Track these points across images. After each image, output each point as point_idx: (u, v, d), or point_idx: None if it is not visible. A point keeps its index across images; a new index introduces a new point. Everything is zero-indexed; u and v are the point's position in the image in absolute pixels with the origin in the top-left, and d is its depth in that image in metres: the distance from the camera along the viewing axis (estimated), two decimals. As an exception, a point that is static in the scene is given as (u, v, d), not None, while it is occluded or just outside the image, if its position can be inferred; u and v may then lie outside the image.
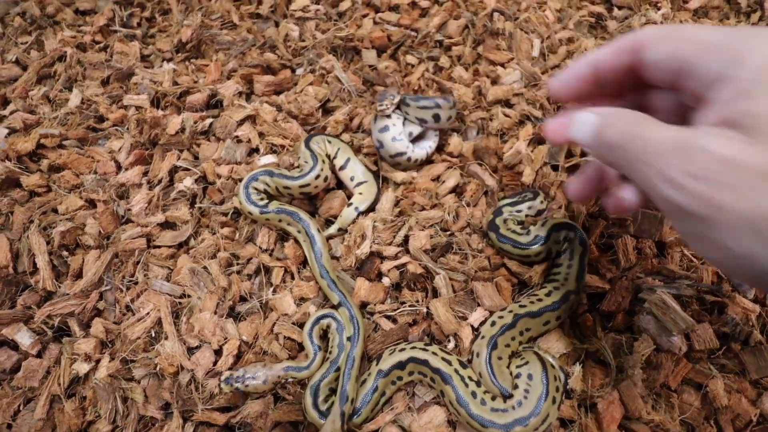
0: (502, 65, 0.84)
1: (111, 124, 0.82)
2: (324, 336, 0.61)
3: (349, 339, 0.57)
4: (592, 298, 0.61)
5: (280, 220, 0.67)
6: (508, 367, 0.54)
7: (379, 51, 0.92)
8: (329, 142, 0.73)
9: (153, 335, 0.62)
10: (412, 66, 0.89)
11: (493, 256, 0.63)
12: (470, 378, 0.53)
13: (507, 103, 0.78)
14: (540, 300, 0.58)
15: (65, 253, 0.69)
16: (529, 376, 0.51)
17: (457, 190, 0.72)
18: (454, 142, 0.75)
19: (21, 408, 0.60)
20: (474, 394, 0.52)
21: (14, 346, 0.64)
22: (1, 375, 0.63)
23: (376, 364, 0.56)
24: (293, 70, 0.91)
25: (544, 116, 0.75)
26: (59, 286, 0.67)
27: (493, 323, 0.56)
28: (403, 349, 0.56)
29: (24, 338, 0.63)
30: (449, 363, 0.54)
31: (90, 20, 0.98)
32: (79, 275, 0.67)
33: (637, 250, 0.63)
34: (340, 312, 0.60)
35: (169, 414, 0.59)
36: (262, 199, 0.68)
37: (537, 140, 0.73)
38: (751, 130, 0.32)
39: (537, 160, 0.71)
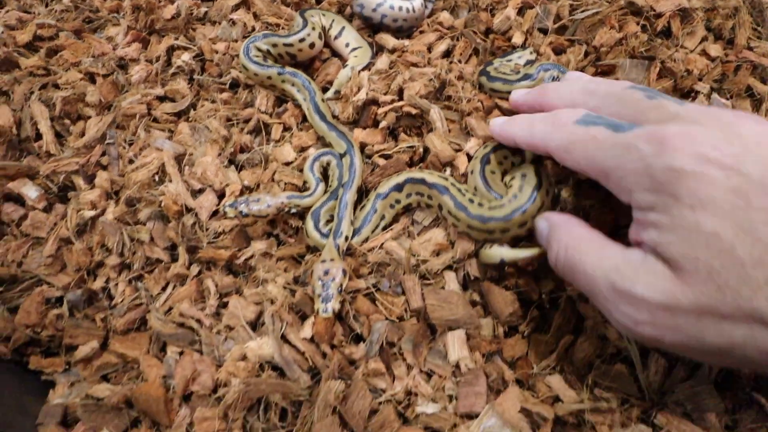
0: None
1: (107, 12, 0.83)
2: (324, 172, 0.62)
3: (343, 185, 0.59)
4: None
5: (283, 81, 0.68)
6: (502, 180, 0.56)
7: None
8: (323, 14, 0.75)
9: (157, 180, 0.63)
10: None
11: (485, 99, 0.65)
12: (466, 190, 0.55)
13: (496, -21, 0.80)
14: None
15: (67, 121, 0.70)
16: (523, 176, 0.53)
17: (449, 54, 0.73)
18: (444, 16, 0.77)
19: (29, 251, 0.61)
20: (471, 201, 0.53)
21: (21, 201, 0.65)
22: (8, 228, 0.64)
23: (375, 191, 0.58)
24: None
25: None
26: (62, 151, 0.68)
27: (486, 145, 0.58)
28: (399, 174, 0.58)
29: (30, 191, 0.64)
30: (445, 179, 0.56)
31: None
32: (82, 136, 0.68)
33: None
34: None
35: (175, 256, 0.61)
36: (264, 59, 0.69)
37: (527, 7, 0.75)
38: (675, 265, 0.34)
39: (526, 23, 0.73)
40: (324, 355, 0.51)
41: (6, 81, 0.73)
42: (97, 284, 0.59)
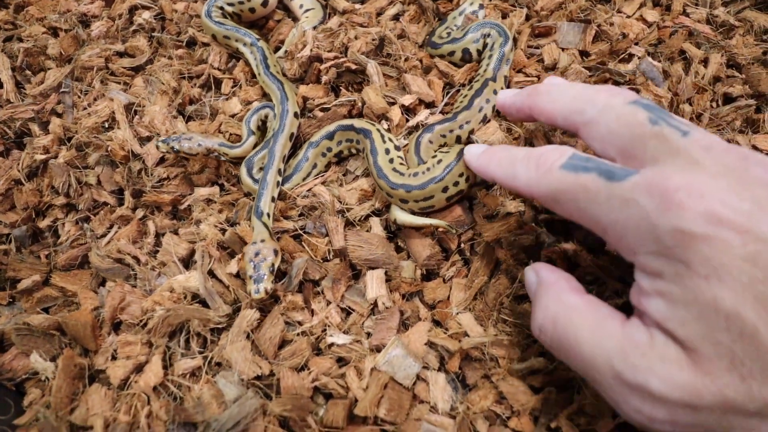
0: None
1: (75, -28, 0.80)
2: (263, 126, 0.61)
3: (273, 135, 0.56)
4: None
5: (236, 40, 0.66)
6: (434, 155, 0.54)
7: None
8: (279, -24, 0.72)
9: (106, 127, 0.61)
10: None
11: (425, 57, 0.63)
12: (390, 139, 0.53)
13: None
14: (465, 96, 0.57)
15: (28, 72, 0.69)
16: (446, 152, 0.51)
17: (397, 19, 0.71)
18: (399, -17, 0.74)
19: (-16, 189, 0.60)
20: (391, 160, 0.52)
21: (-22, 146, 0.64)
22: (-35, 170, 0.62)
23: (307, 140, 0.56)
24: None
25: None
26: (22, 100, 0.67)
27: (440, 121, 0.55)
28: (332, 123, 0.56)
29: (-13, 136, 0.62)
30: (373, 125, 0.54)
31: None
32: (40, 85, 0.67)
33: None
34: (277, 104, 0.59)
35: (122, 200, 0.59)
36: (223, 17, 0.67)
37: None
38: (691, 349, 0.27)
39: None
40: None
41: (-28, 34, 0.71)
42: (44, 223, 0.58)
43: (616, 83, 0.59)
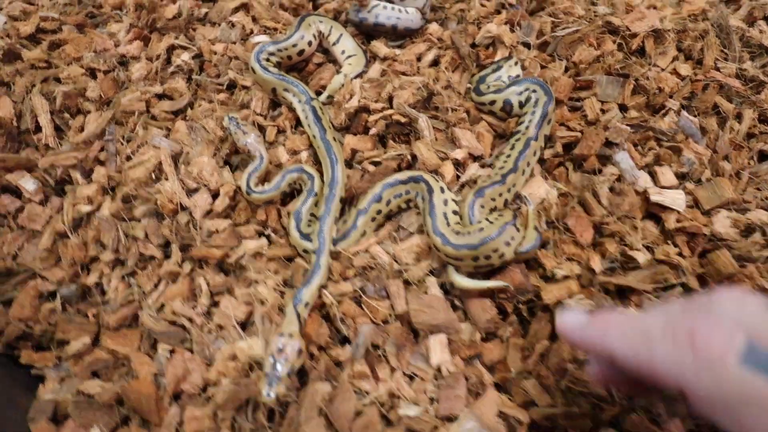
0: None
1: (109, 9, 0.74)
2: (290, 187, 0.57)
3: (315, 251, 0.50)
4: (568, 148, 0.57)
5: (285, 89, 0.61)
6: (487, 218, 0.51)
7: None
8: (321, 21, 0.67)
9: (154, 178, 0.56)
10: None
11: (473, 109, 0.59)
12: (448, 195, 0.50)
13: (484, -6, 0.73)
14: (509, 156, 0.54)
15: (67, 115, 0.63)
16: (495, 219, 0.48)
17: (437, 64, 0.67)
18: (434, 27, 0.70)
19: (24, 244, 0.54)
20: (446, 217, 0.48)
21: (18, 193, 0.58)
22: (5, 220, 0.57)
23: (355, 206, 0.52)
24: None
25: (518, 2, 0.70)
26: (61, 145, 0.61)
27: (485, 180, 0.52)
28: (375, 185, 0.52)
29: (28, 184, 0.57)
30: (434, 178, 0.51)
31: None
32: (81, 131, 0.61)
33: (602, 111, 0.60)
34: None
35: (168, 253, 0.54)
36: (269, 63, 0.62)
37: (511, 23, 0.69)
38: None
39: (507, 37, 0.66)
40: (312, 356, 0.46)
41: (8, 72, 0.65)
42: (91, 279, 0.53)
43: (658, 140, 0.57)
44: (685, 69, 0.63)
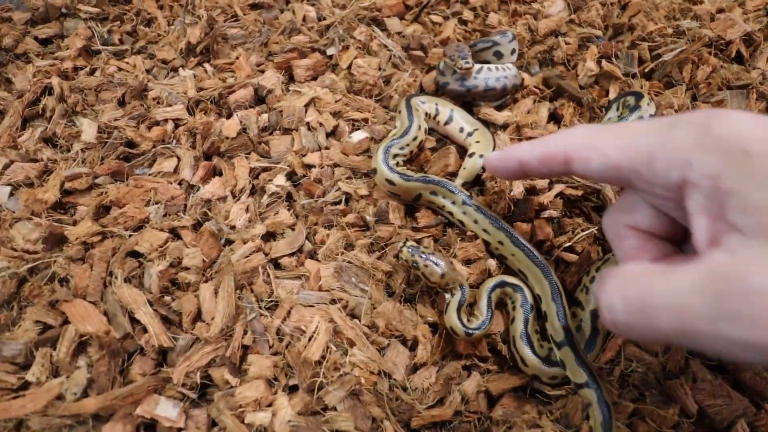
0: (537, 0, 0.76)
1: (151, 144, 0.61)
2: (501, 303, 0.49)
3: (584, 384, 0.42)
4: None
5: (432, 192, 0.53)
6: None
7: (399, 18, 0.80)
8: (423, 101, 0.60)
9: (331, 350, 0.45)
10: (440, 24, 0.78)
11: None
12: None
13: (560, 33, 0.71)
14: None
15: (167, 298, 0.49)
16: None
17: (556, 118, 0.63)
18: (526, 77, 0.66)
19: (201, 496, 0.41)
20: None
21: (149, 426, 0.44)
22: (149, 467, 0.43)
23: (583, 308, 0.47)
24: (321, 52, 0.75)
25: (604, 35, 0.69)
26: (176, 339, 0.48)
27: None
28: (593, 278, 0.47)
29: (168, 410, 0.43)
30: None
31: (63, 45, 0.73)
32: (197, 317, 0.48)
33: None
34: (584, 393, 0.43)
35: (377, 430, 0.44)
36: (400, 167, 0.54)
37: (605, 57, 0.67)
38: None
39: (616, 71, 0.64)
40: None
41: (62, 265, 0.50)
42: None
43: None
44: (786, 70, 0.65)
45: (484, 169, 0.55)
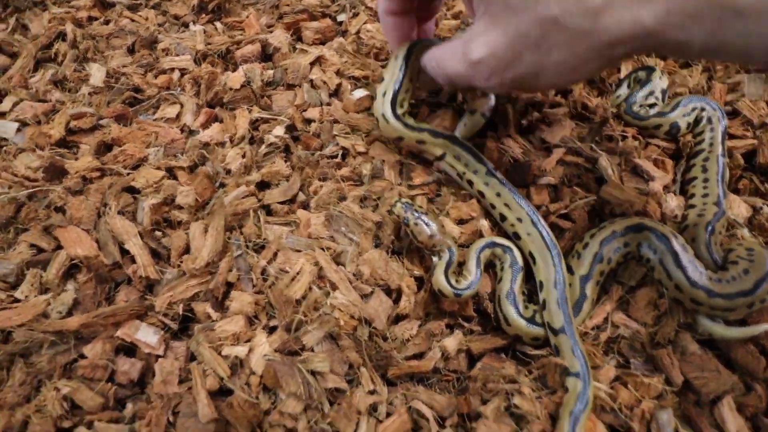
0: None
1: (156, 91, 0.63)
2: (492, 264, 0.50)
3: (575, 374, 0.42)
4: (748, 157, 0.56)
5: (456, 156, 0.53)
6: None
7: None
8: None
9: (314, 291, 0.47)
10: (454, -3, 0.80)
11: (635, 134, 0.56)
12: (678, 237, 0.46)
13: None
14: (706, 180, 0.52)
15: (158, 233, 0.52)
16: (750, 255, 0.44)
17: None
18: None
19: (171, 419, 0.43)
20: (691, 261, 0.44)
21: (130, 350, 0.46)
22: (124, 389, 0.44)
23: (573, 273, 0.47)
24: (332, 18, 0.77)
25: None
26: (163, 272, 0.50)
27: (701, 212, 0.49)
28: (587, 244, 0.47)
29: (148, 336, 0.45)
30: (660, 224, 0.46)
31: (79, -6, 0.77)
32: (185, 254, 0.50)
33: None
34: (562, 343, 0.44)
35: (353, 379, 0.45)
36: (404, 115, 0.54)
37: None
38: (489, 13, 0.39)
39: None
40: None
41: (59, 194, 0.52)
42: (278, 441, 0.42)
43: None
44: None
45: (485, 125, 0.55)
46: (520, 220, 0.49)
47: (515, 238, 0.50)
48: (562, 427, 0.39)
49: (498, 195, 0.50)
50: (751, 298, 0.42)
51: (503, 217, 0.50)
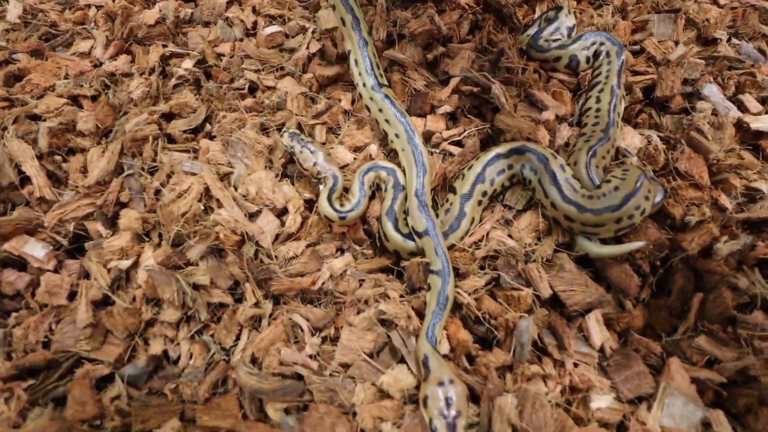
0: None
1: (71, 25, 0.64)
2: (377, 187, 0.52)
3: (437, 272, 0.44)
4: (646, 93, 0.57)
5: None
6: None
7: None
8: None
9: (203, 208, 0.49)
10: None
11: (538, 68, 0.58)
12: (560, 158, 0.48)
13: None
14: (598, 110, 0.53)
15: (58, 157, 0.53)
16: (624, 174, 0.46)
17: (478, 28, 0.65)
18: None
19: (53, 326, 0.45)
20: (566, 180, 0.46)
21: (22, 265, 0.48)
22: (13, 301, 0.46)
23: (455, 193, 0.49)
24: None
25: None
26: (61, 195, 0.51)
27: (588, 138, 0.50)
28: (471, 166, 0.49)
29: (35, 250, 0.47)
30: (542, 146, 0.48)
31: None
32: (84, 172, 0.52)
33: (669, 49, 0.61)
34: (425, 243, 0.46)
35: (239, 296, 0.47)
36: None
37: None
38: None
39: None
40: (466, 370, 0.42)
41: (-41, 120, 0.54)
42: (155, 348, 0.44)
43: (731, 69, 0.59)
44: (721, -3, 0.66)
45: None
46: (397, 135, 0.50)
47: (395, 154, 0.52)
48: (425, 324, 0.41)
49: (380, 111, 0.52)
50: (618, 213, 0.44)
51: (385, 133, 0.52)
